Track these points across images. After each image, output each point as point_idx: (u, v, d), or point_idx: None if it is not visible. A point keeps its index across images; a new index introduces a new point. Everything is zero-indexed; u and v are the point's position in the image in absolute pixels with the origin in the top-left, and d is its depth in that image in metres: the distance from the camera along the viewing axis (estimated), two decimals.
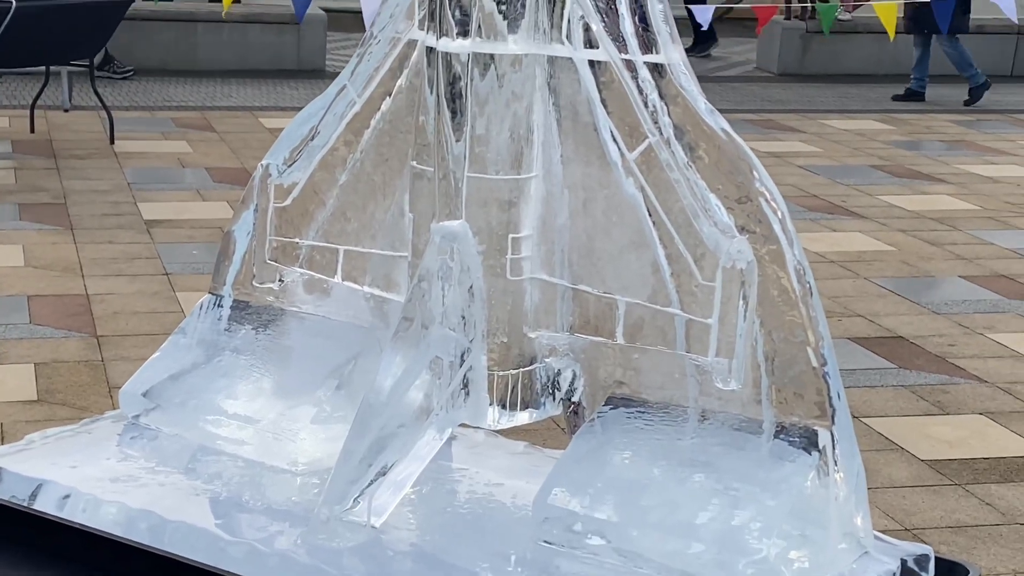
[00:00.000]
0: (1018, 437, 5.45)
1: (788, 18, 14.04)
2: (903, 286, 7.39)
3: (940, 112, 12.65)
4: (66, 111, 10.73)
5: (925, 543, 2.25)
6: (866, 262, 7.83)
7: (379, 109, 2.31)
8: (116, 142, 9.94)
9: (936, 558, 2.18)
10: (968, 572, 2.20)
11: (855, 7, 14.19)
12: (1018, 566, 4.40)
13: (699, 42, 13.73)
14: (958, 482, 5.02)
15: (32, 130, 10.13)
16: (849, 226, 8.65)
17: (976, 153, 10.97)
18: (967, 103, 12.91)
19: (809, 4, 13.39)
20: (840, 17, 13.78)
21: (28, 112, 10.26)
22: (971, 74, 12.95)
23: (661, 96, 2.11)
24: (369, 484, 2.11)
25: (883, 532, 2.25)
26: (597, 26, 2.12)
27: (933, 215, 8.92)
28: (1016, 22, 12.49)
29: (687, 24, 13.03)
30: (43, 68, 10.16)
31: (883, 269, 7.70)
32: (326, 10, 13.19)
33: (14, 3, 8.88)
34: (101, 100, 9.95)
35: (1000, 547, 4.55)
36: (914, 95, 12.94)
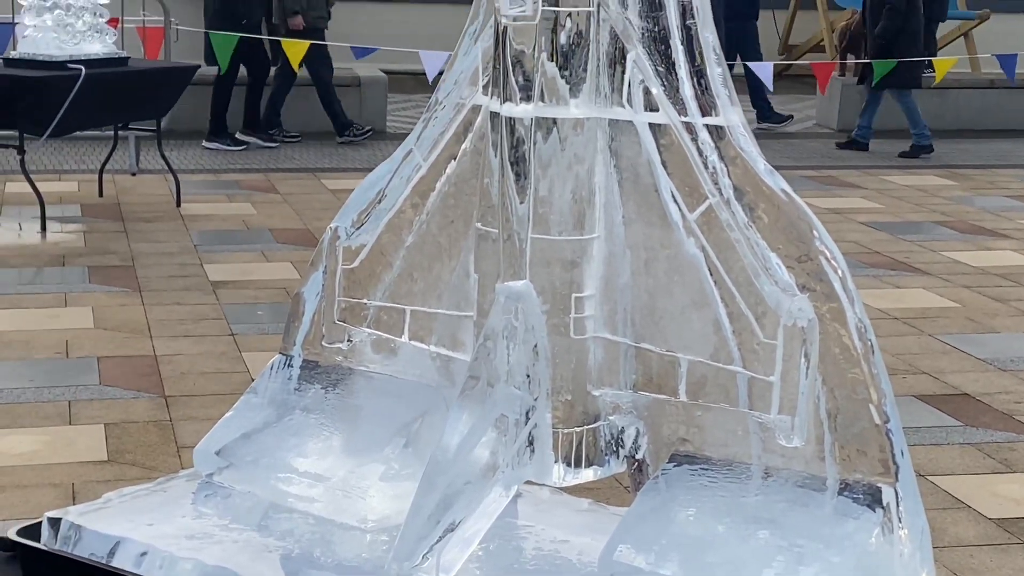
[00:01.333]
0: None
1: (843, 74, 13.97)
2: (968, 342, 7.32)
3: (1003, 167, 12.56)
4: (133, 175, 10.81)
5: None
6: (930, 319, 7.77)
7: (444, 172, 2.34)
8: (182, 204, 10.00)
9: None
10: None
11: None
12: None
13: (767, 117, 13.58)
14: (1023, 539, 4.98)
15: (100, 194, 10.21)
16: (912, 282, 8.58)
17: None
18: (903, 154, 12.85)
19: (865, 61, 13.35)
20: None
21: (97, 176, 10.36)
22: (918, 132, 12.90)
23: (721, 157, 2.13)
24: (437, 541, 2.13)
25: None
26: (657, 90, 2.14)
27: (997, 271, 8.85)
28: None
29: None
30: (111, 133, 10.27)
31: (947, 326, 7.64)
32: (387, 72, 13.22)
33: (83, 70, 9.01)
34: (168, 163, 10.02)
35: None
36: (856, 144, 12.85)
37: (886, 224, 10.46)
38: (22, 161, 9.47)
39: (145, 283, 8.19)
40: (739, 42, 12.86)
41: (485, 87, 2.25)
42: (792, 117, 14.16)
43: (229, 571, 2.22)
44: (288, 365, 2.52)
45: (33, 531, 2.40)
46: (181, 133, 11.65)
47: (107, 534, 2.33)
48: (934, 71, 13.62)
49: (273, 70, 12.07)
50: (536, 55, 2.15)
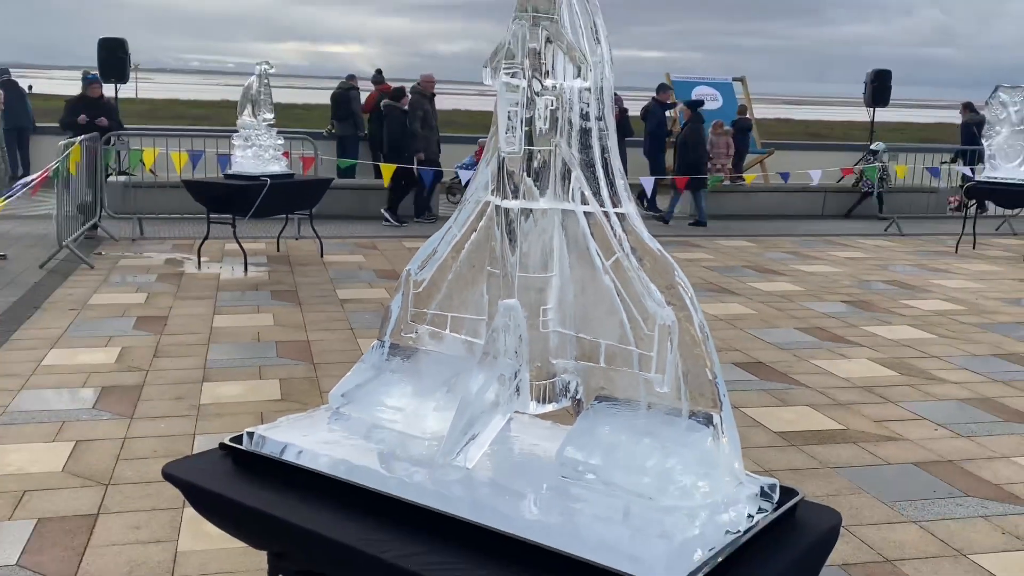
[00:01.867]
0: (830, 420, 5.42)
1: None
2: (762, 334, 7.36)
3: (781, 236, 12.57)
4: (296, 239, 10.86)
5: (773, 477, 2.25)
6: (741, 319, 7.80)
7: (470, 238, 2.35)
8: (324, 256, 10.05)
9: (780, 486, 2.18)
10: (797, 493, 2.19)
11: (731, 178, 14.19)
12: (828, 491, 4.36)
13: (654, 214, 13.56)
14: (794, 444, 4.99)
15: (278, 250, 10.26)
16: (731, 300, 8.62)
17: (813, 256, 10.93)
18: (691, 224, 13.14)
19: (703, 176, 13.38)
20: (723, 183, 13.84)
21: (275, 240, 10.43)
22: (701, 214, 13.24)
23: (624, 231, 2.14)
24: (465, 444, 2.15)
25: (751, 472, 2.25)
26: (588, 192, 2.16)
27: (779, 293, 8.89)
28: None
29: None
30: (284, 216, 10.34)
31: (750, 324, 7.66)
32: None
33: (269, 181, 9.05)
34: (315, 232, 10.09)
35: (818, 480, 4.51)
36: (698, 223, 13.14)
37: (719, 267, 10.47)
38: (234, 231, 9.52)
39: (303, 300, 8.23)
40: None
41: (492, 190, 2.25)
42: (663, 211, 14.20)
43: (347, 461, 2.23)
44: (382, 346, 2.52)
45: (237, 440, 2.39)
46: (324, 216, 11.72)
47: (279, 440, 2.34)
48: (744, 180, 13.62)
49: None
50: (520, 173, 2.16)
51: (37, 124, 15.43)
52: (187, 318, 7.26)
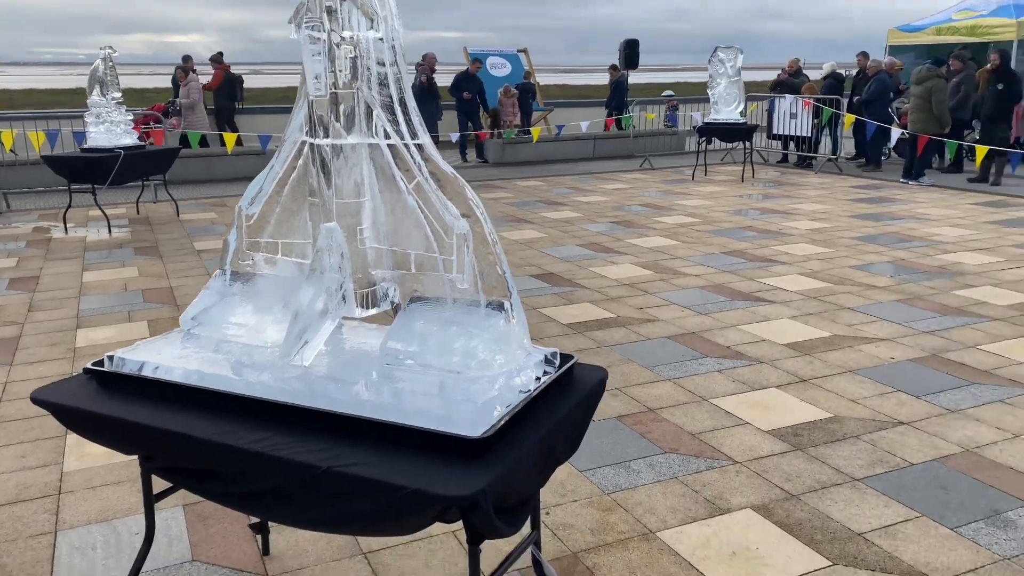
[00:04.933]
0: (605, 311, 5.61)
1: (492, 136, 14.00)
2: (549, 251, 7.51)
3: (562, 176, 12.79)
4: (154, 203, 10.13)
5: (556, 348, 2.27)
6: (535, 242, 7.92)
7: (291, 175, 2.23)
8: (180, 215, 9.41)
9: (560, 353, 2.22)
10: (573, 357, 2.23)
11: (520, 133, 14.29)
12: (605, 363, 4.53)
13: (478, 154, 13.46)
14: (578, 331, 5.15)
15: (138, 213, 9.53)
16: (527, 227, 8.73)
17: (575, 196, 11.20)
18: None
19: (501, 131, 13.40)
20: (515, 136, 13.91)
21: (135, 204, 9.67)
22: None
23: (423, 158, 2.09)
24: (301, 347, 2.06)
25: (539, 346, 2.27)
26: (389, 128, 2.08)
27: (564, 219, 9.08)
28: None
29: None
30: (140, 182, 9.59)
31: (541, 244, 7.81)
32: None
33: (123, 152, 8.34)
34: (171, 195, 9.43)
35: (598, 356, 4.68)
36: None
37: (515, 202, 10.53)
38: (95, 198, 8.78)
39: (164, 253, 7.71)
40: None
41: (307, 132, 2.13)
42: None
43: (199, 371, 2.10)
44: (224, 274, 2.37)
45: (99, 364, 2.21)
46: (178, 181, 10.95)
47: (137, 360, 2.18)
48: (531, 133, 13.72)
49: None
50: (328, 114, 2.06)
51: None
52: (58, 276, 6.64)
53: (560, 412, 2.00)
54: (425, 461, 1.76)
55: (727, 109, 11.77)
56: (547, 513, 3.06)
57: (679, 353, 4.76)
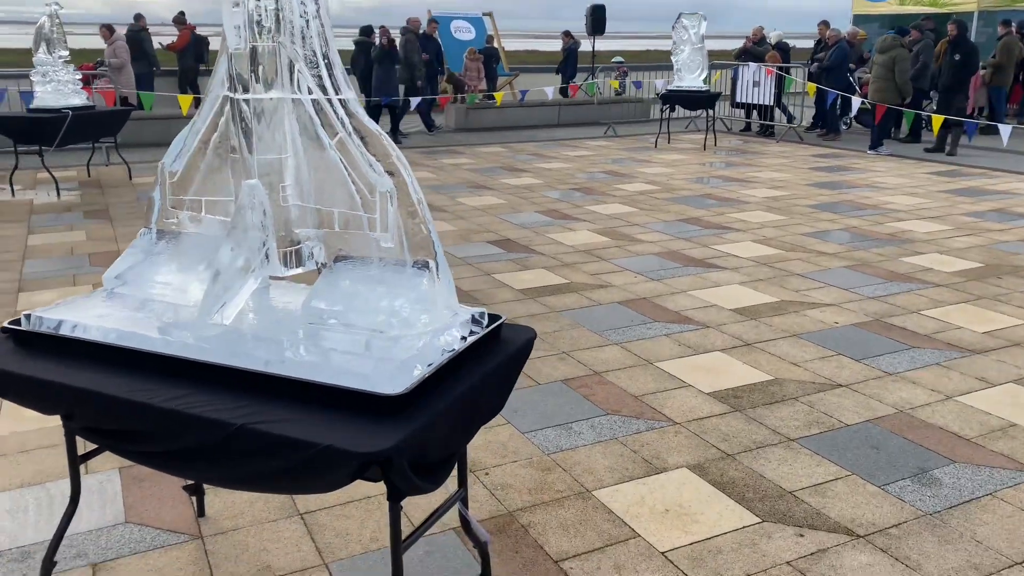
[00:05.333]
0: (559, 277, 5.62)
1: (455, 101, 13.86)
2: (511, 216, 7.49)
3: (530, 143, 12.72)
4: (106, 166, 9.91)
5: (484, 308, 2.27)
6: (494, 208, 7.89)
7: (215, 131, 2.18)
8: (133, 179, 9.22)
9: (489, 314, 2.22)
10: (500, 318, 2.23)
11: (485, 98, 14.16)
12: (554, 328, 4.55)
13: (428, 126, 13.32)
14: (531, 297, 5.16)
15: (88, 175, 9.32)
16: (487, 193, 8.67)
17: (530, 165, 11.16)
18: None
19: (463, 95, 13.28)
20: (478, 101, 13.78)
21: (86, 167, 9.45)
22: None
23: (347, 114, 2.05)
24: (222, 306, 2.03)
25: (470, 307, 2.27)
26: (313, 83, 2.04)
27: (524, 187, 9.05)
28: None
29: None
30: (91, 144, 9.36)
31: (500, 211, 7.77)
32: None
33: (71, 113, 8.12)
34: (123, 158, 9.23)
35: (548, 321, 4.70)
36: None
37: (477, 169, 10.46)
38: (42, 160, 8.56)
39: (114, 217, 7.58)
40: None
41: (227, 87, 2.09)
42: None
43: (119, 330, 2.07)
44: (149, 232, 2.34)
45: (16, 323, 2.17)
46: (131, 144, 10.75)
47: (55, 318, 2.14)
48: (494, 98, 13.62)
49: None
50: (248, 70, 2.02)
51: None
52: (2, 239, 6.48)
53: (484, 370, 2.01)
54: (342, 419, 1.76)
55: (690, 76, 11.76)
56: (486, 473, 3.09)
57: (628, 318, 4.79)
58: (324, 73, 2.04)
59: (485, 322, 2.17)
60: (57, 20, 8.38)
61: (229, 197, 2.18)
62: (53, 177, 8.42)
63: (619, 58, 16.89)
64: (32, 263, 5.81)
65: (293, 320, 2.12)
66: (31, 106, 8.59)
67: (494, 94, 14.09)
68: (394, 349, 1.93)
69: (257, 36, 1.99)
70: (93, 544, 2.65)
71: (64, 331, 2.09)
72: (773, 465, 3.15)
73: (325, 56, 2.05)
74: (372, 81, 11.91)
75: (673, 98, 11.97)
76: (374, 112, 11.61)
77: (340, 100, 2.05)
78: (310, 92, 2.04)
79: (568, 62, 16.09)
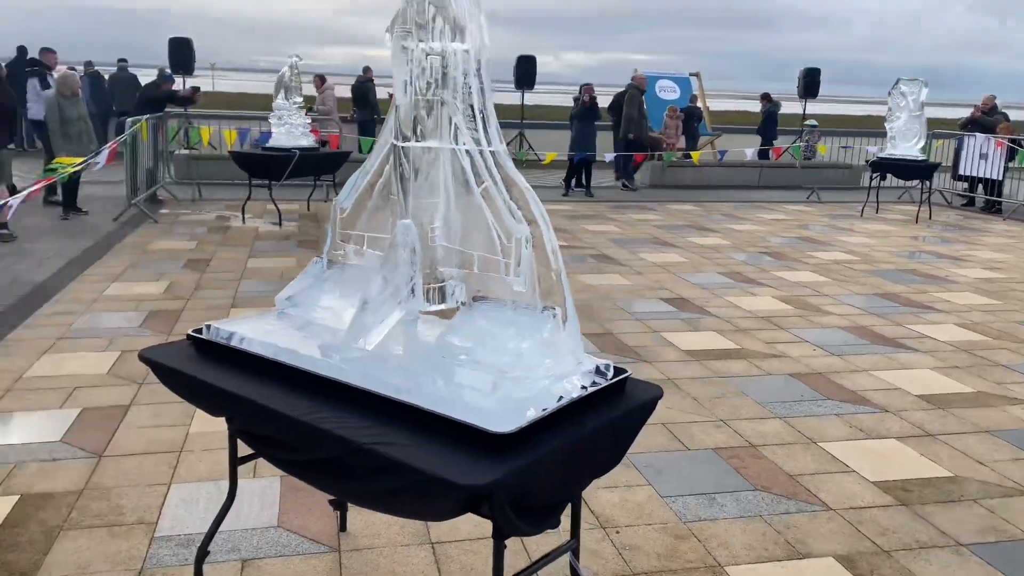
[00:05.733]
0: (730, 341, 5.44)
1: (650, 159, 13.88)
2: (690, 276, 7.36)
3: (725, 202, 12.46)
4: (324, 202, 10.89)
5: (609, 362, 2.28)
6: (675, 266, 7.78)
7: (381, 175, 2.38)
8: None
9: (615, 367, 2.23)
10: (626, 372, 2.22)
11: (683, 156, 14.09)
12: (715, 395, 4.39)
13: (628, 180, 13.42)
14: (696, 359, 5.02)
15: (308, 209, 10.29)
16: (670, 251, 8.59)
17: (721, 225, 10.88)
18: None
19: (660, 153, 13.29)
20: (675, 159, 13.73)
21: (306, 202, 10.46)
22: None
23: (495, 164, 2.17)
24: (367, 333, 2.20)
25: (602, 360, 2.29)
26: (468, 137, 2.18)
27: (709, 247, 8.86)
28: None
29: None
30: (311, 180, 10.35)
31: (680, 269, 7.63)
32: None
33: (299, 153, 9.07)
34: None
35: (710, 386, 4.55)
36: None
37: (665, 226, 10.39)
38: (271, 193, 9.53)
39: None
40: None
41: (394, 135, 2.28)
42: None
43: (275, 344, 2.30)
44: (320, 261, 2.57)
45: (199, 331, 2.46)
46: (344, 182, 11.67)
47: (228, 330, 2.41)
48: (691, 157, 13.54)
49: None
50: (412, 121, 2.20)
51: (116, 109, 15.36)
52: (226, 260, 7.33)
53: (599, 422, 2.02)
54: (453, 451, 1.84)
55: (905, 144, 11.05)
56: (617, 532, 3.05)
57: (798, 392, 4.55)
58: (480, 127, 2.18)
59: (610, 374, 2.18)
60: (296, 70, 9.45)
61: (387, 235, 2.38)
62: (277, 209, 9.41)
63: (813, 121, 16.26)
64: (247, 283, 6.52)
65: (429, 352, 2.24)
66: (265, 145, 9.72)
67: (691, 152, 14.00)
68: (512, 389, 2.00)
69: (423, 91, 2.18)
70: (246, 542, 2.92)
71: (234, 342, 2.36)
72: (934, 569, 2.86)
73: (481, 111, 2.19)
74: (571, 135, 12.27)
75: (884, 166, 11.29)
76: (575, 167, 11.93)
77: (491, 151, 2.18)
78: (465, 143, 2.19)
79: (767, 124, 15.68)
